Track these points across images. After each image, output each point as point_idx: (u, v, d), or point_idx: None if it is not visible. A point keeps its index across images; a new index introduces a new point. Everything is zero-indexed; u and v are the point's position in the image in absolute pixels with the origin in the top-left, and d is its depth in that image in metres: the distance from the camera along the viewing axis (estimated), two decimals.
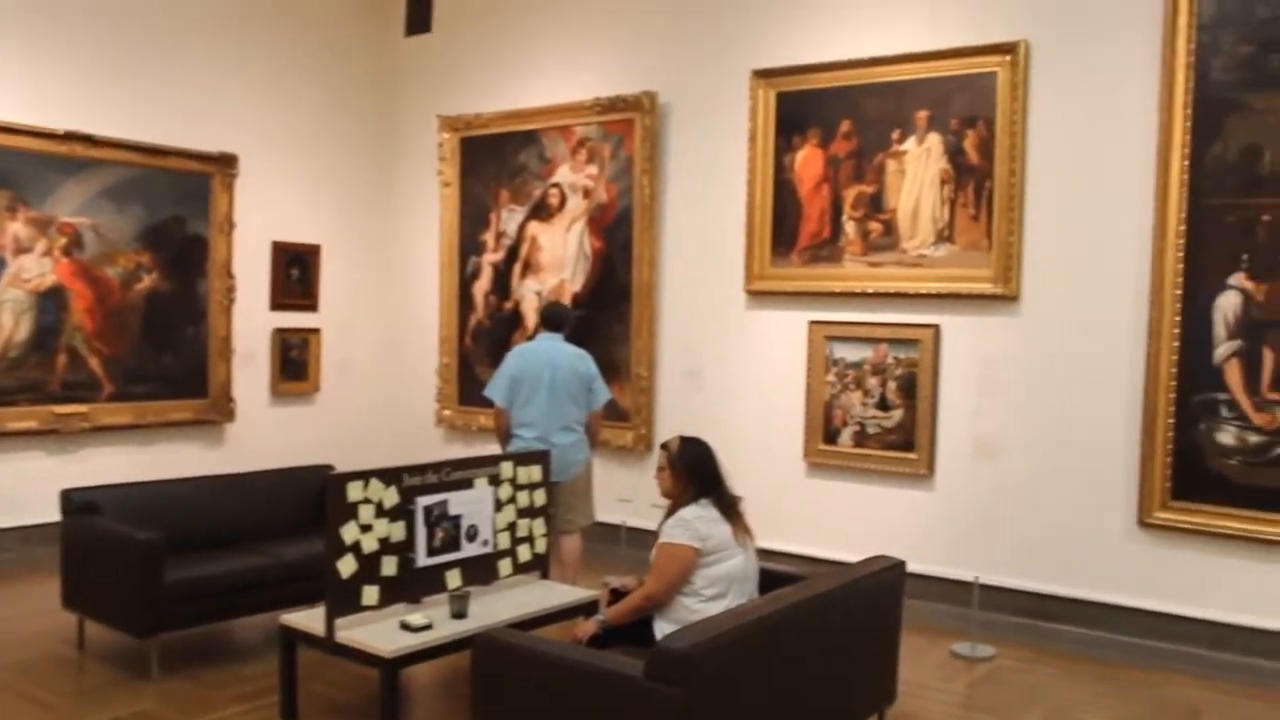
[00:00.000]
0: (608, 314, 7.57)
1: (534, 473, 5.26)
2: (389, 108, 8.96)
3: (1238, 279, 5.45)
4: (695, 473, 4.31)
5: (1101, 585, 5.83)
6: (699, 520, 4.17)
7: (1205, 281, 5.52)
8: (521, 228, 8.07)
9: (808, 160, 6.68)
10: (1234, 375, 5.48)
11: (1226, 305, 5.49)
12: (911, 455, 6.32)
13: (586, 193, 7.69)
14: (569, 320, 6.28)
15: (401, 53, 8.95)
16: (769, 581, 4.35)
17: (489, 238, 8.25)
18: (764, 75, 6.81)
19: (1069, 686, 5.30)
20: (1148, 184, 5.64)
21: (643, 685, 3.32)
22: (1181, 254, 5.55)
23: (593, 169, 7.66)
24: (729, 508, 4.28)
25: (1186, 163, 5.53)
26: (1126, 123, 5.73)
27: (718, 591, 4.14)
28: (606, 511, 6.65)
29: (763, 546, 6.22)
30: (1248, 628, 5.47)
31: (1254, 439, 5.44)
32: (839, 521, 6.56)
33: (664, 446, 4.48)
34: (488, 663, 3.82)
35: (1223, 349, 5.50)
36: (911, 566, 5.77)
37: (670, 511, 4.28)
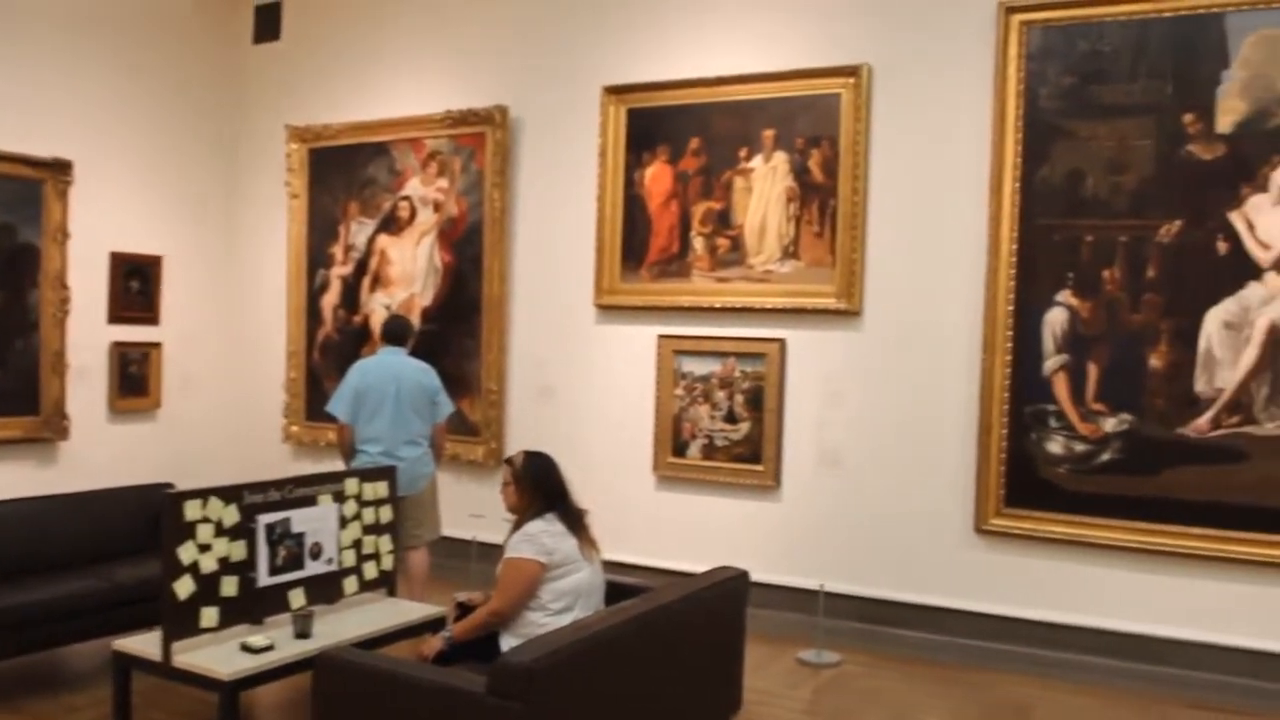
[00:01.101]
0: (458, 328, 7.51)
1: (380, 488, 5.20)
2: (235, 116, 8.72)
3: (1065, 296, 5.73)
4: (540, 487, 4.31)
5: (941, 590, 6.03)
6: (545, 534, 4.17)
7: (1035, 298, 5.78)
8: (371, 241, 7.96)
9: (657, 176, 6.76)
10: (1062, 387, 5.74)
11: (1055, 321, 5.75)
12: (758, 467, 6.44)
13: (437, 206, 7.64)
14: (411, 333, 6.24)
15: (249, 60, 8.74)
16: (615, 594, 4.38)
17: (338, 250, 8.12)
18: (615, 91, 6.87)
19: (909, 689, 5.47)
20: (982, 204, 5.87)
21: (485, 701, 3.31)
22: (1013, 272, 5.80)
23: (443, 182, 7.61)
24: (575, 521, 4.29)
25: (1018, 185, 5.79)
26: (963, 145, 5.96)
27: (564, 605, 4.14)
28: (457, 527, 6.60)
29: (613, 559, 6.26)
30: (1076, 627, 5.73)
31: (1080, 448, 5.71)
32: (688, 533, 6.64)
33: (508, 461, 4.47)
34: (329, 683, 3.76)
35: (1051, 362, 5.76)
36: (759, 576, 5.90)
37: (516, 526, 4.27)
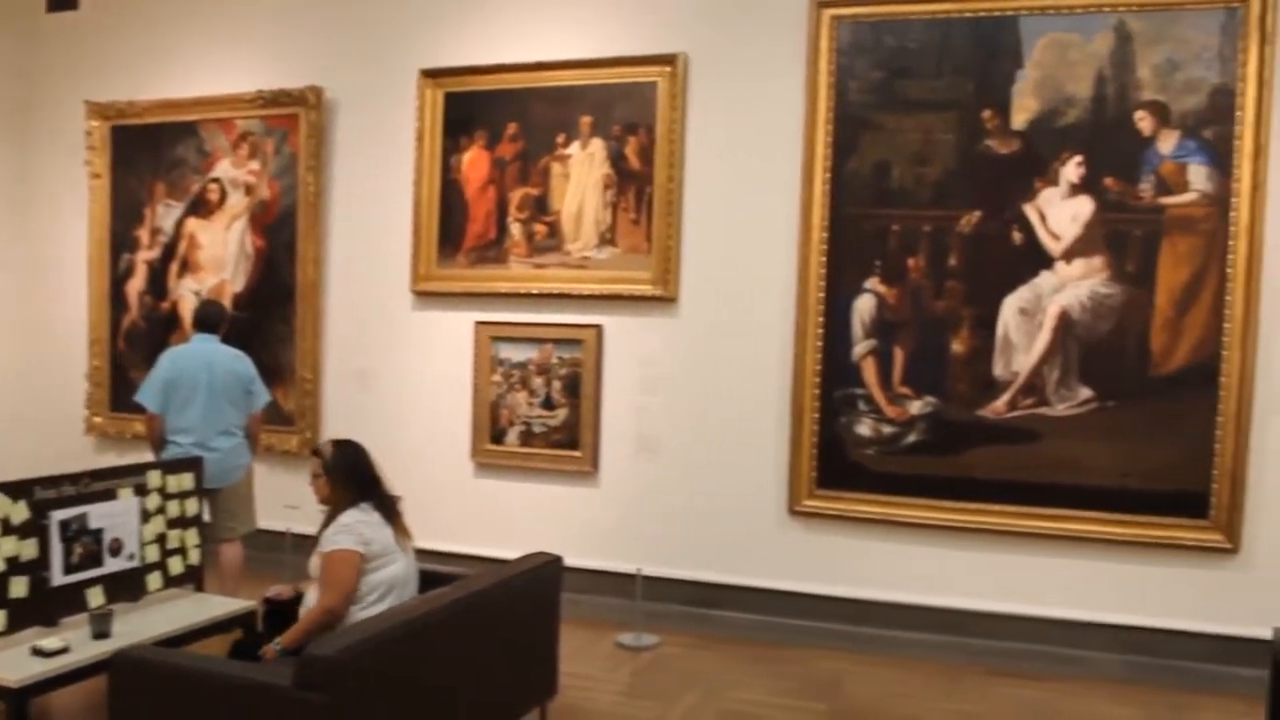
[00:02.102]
0: (271, 315, 7.30)
1: (185, 480, 5.01)
2: (28, 90, 8.23)
3: (872, 283, 5.92)
4: (352, 477, 4.22)
5: (757, 571, 6.17)
6: (362, 525, 4.08)
7: (845, 285, 5.95)
8: (179, 224, 7.65)
9: (474, 161, 6.70)
10: (870, 372, 5.94)
11: (863, 307, 5.94)
12: (576, 453, 6.46)
13: (249, 189, 7.40)
14: (224, 320, 6.03)
15: (43, 30, 8.25)
16: (429, 582, 4.33)
17: (143, 234, 7.78)
18: (432, 75, 6.76)
19: (726, 668, 5.58)
20: (794, 193, 6.01)
21: (292, 695, 3.22)
22: (824, 260, 5.96)
23: (255, 164, 7.37)
24: (390, 510, 4.22)
25: (828, 175, 5.95)
26: (776, 135, 6.08)
27: (379, 597, 4.05)
28: (271, 518, 6.42)
29: (431, 548, 6.19)
30: (885, 602, 5.95)
31: (888, 430, 5.92)
32: (507, 521, 6.61)
33: (315, 452, 4.36)
34: (126, 684, 3.60)
35: (860, 347, 5.95)
36: (578, 562, 5.93)
37: (329, 518, 4.16)
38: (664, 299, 6.26)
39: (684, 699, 5.13)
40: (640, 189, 6.32)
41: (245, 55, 7.46)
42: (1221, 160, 5.47)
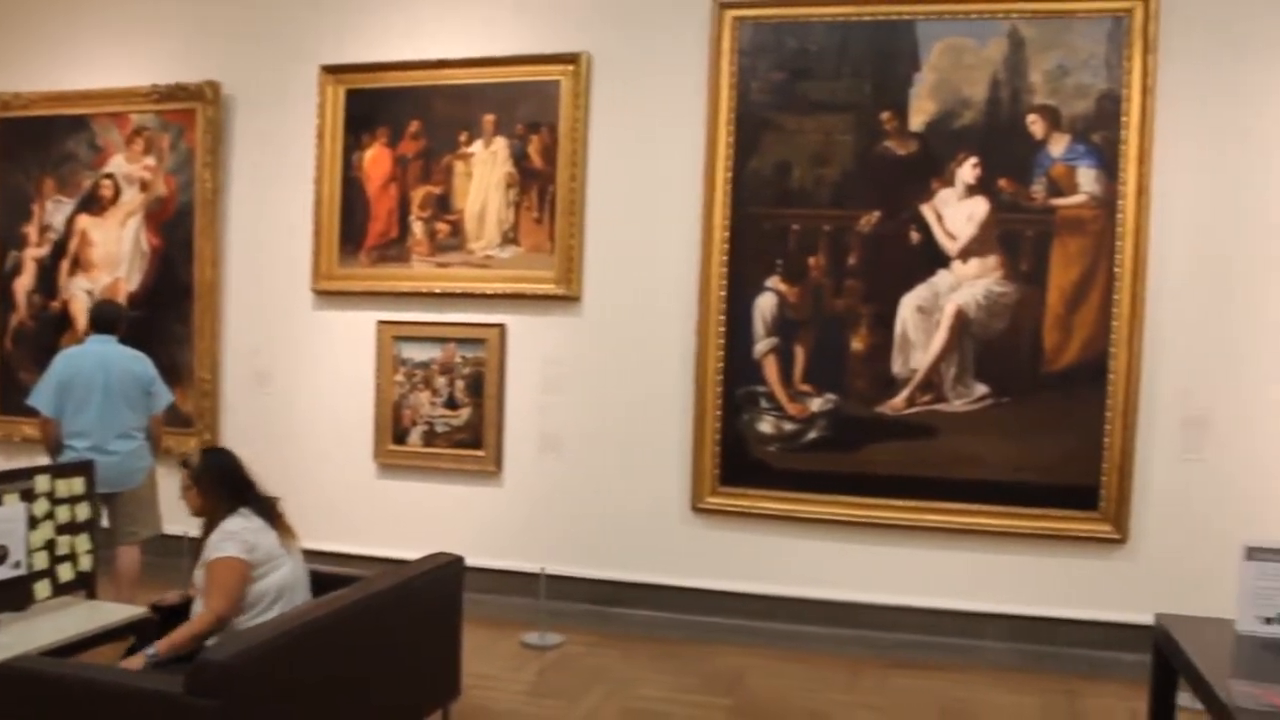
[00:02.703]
0: (168, 315, 7.13)
1: (75, 485, 4.86)
2: None
3: (773, 282, 5.99)
4: (224, 483, 4.14)
5: (660, 569, 6.20)
6: (245, 531, 4.00)
7: (746, 284, 6.01)
8: (70, 221, 7.44)
9: (376, 159, 6.63)
10: (772, 370, 6.00)
11: (764, 305, 6.00)
12: (480, 453, 6.43)
13: (144, 185, 7.22)
14: (122, 320, 5.86)
15: None
16: (328, 584, 4.26)
17: (32, 231, 7.55)
18: (333, 71, 6.67)
19: (630, 665, 5.59)
20: (696, 193, 6.05)
21: (184, 702, 3.15)
22: (726, 258, 6.01)
23: (150, 160, 7.20)
24: (269, 512, 4.14)
25: (730, 174, 6.00)
26: (678, 135, 6.12)
27: (269, 603, 3.97)
28: (171, 523, 6.27)
29: (333, 550, 6.18)
30: (787, 598, 6.03)
31: (789, 427, 6.00)
32: (410, 522, 6.55)
33: (184, 464, 4.27)
34: (10, 696, 3.49)
35: (761, 345, 6.01)
36: (482, 562, 5.91)
37: (209, 528, 4.08)
38: (567, 298, 6.26)
39: (588, 697, 5.14)
40: (543, 188, 6.31)
41: (140, 48, 7.26)
42: (1109, 163, 5.64)
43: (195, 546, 4.13)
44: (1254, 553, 3.45)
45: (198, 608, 4.00)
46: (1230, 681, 2.94)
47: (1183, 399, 5.67)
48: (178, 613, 4.19)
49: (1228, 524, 5.34)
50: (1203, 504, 5.62)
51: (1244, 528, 4.81)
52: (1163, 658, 3.55)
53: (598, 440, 6.29)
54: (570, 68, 6.24)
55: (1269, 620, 3.40)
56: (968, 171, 5.76)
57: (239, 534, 3.98)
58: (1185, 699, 3.30)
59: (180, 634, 3.89)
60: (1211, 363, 5.65)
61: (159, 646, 3.85)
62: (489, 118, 6.39)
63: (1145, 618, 3.63)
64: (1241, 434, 5.63)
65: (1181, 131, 5.61)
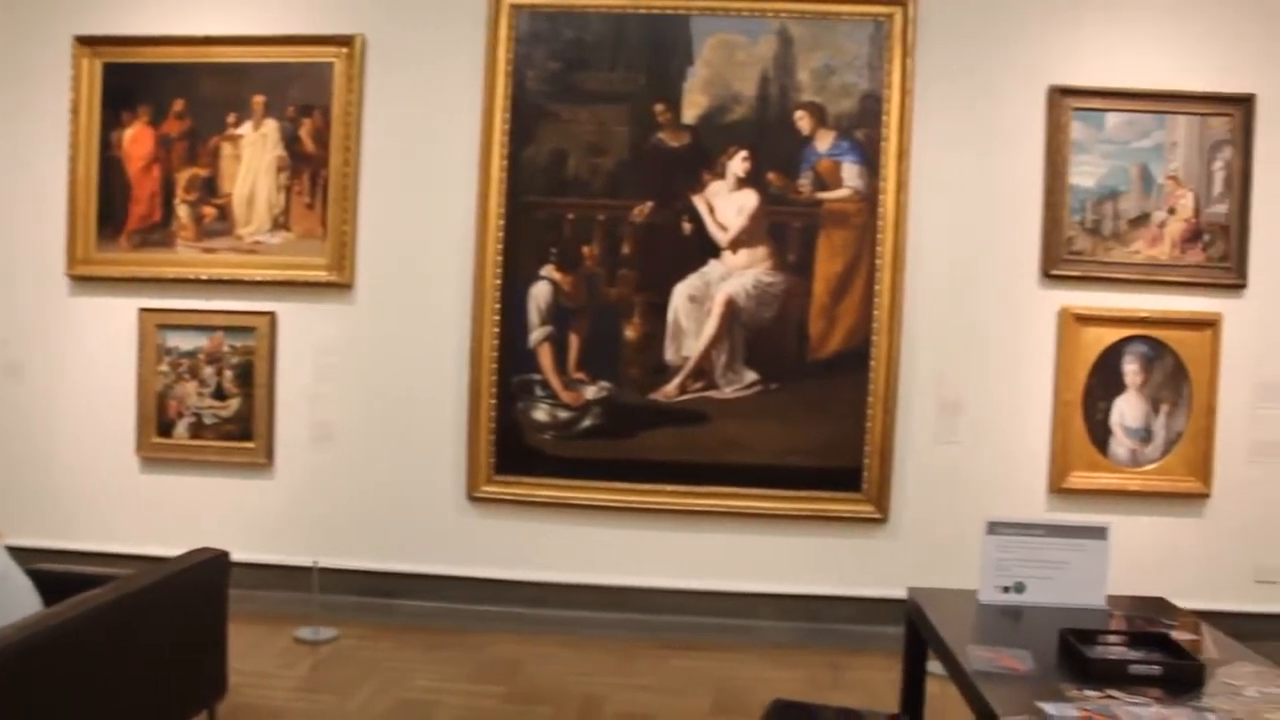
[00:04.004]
0: None
1: None
2: None
3: (548, 270, 6.01)
4: None
5: (437, 559, 6.15)
6: None
7: (521, 272, 6.01)
8: None
9: (137, 138, 6.31)
10: (546, 358, 6.02)
11: (539, 294, 6.01)
12: (250, 444, 6.23)
13: None
14: None
15: None
16: (79, 585, 4.04)
17: None
18: (88, 43, 6.30)
19: (406, 657, 5.54)
20: (472, 180, 6.01)
21: None
22: (501, 246, 5.99)
23: None
24: None
25: (505, 162, 5.98)
26: (454, 121, 6.06)
27: None
28: None
29: (95, 550, 5.93)
30: (563, 584, 6.07)
31: (564, 415, 6.03)
32: (177, 517, 6.28)
33: None
34: None
35: (536, 334, 6.03)
36: (253, 556, 5.78)
37: None
38: (340, 285, 6.13)
39: (361, 690, 5.07)
40: (315, 172, 6.15)
41: None
42: (871, 160, 5.89)
43: None
44: (994, 527, 3.66)
45: None
46: (969, 647, 3.11)
47: (938, 384, 5.98)
48: None
49: (977, 502, 5.66)
50: (956, 483, 5.95)
51: (991, 505, 5.15)
52: (914, 629, 3.74)
53: (372, 430, 6.19)
54: (344, 50, 6.10)
55: (1007, 589, 3.62)
56: (738, 164, 5.91)
57: None
58: (935, 666, 3.47)
59: None
60: (963, 350, 5.99)
61: None
62: (258, 99, 6.19)
63: (904, 592, 3.82)
64: (990, 417, 5.99)
65: (937, 131, 5.92)
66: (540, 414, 6.03)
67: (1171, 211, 5.93)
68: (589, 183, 5.98)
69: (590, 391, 6.00)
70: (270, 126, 6.18)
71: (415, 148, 6.12)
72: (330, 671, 5.34)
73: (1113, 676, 2.83)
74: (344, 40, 6.10)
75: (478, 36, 6.01)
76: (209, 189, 6.25)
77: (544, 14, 6.00)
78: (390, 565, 6.16)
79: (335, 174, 6.11)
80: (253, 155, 6.20)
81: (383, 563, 6.16)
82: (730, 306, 5.93)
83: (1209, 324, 5.92)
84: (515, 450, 6.04)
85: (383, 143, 6.13)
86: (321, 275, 6.14)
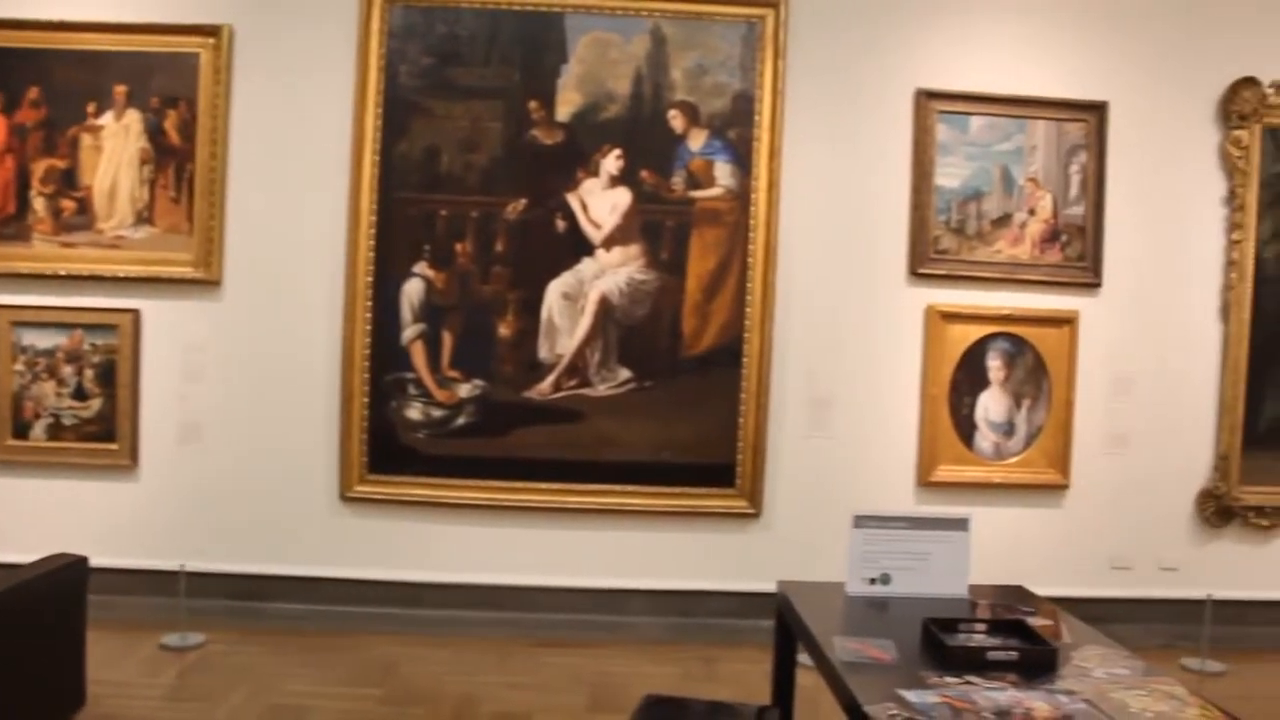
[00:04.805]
0: None
1: None
2: None
3: (421, 267, 5.95)
4: None
5: (309, 561, 6.04)
6: None
7: (394, 269, 5.94)
8: None
9: None
10: (419, 356, 5.97)
11: (412, 291, 5.95)
12: (112, 446, 6.03)
13: None
14: None
15: None
16: None
17: None
18: None
19: (277, 661, 5.45)
20: (344, 175, 5.92)
21: None
22: (373, 243, 5.91)
23: None
24: None
25: (378, 158, 5.90)
26: (326, 117, 5.96)
27: None
28: None
29: None
30: (438, 584, 6.03)
31: (437, 413, 5.99)
32: (34, 522, 6.01)
33: None
34: None
35: (409, 332, 5.97)
36: (117, 561, 5.63)
37: None
38: (207, 282, 5.97)
39: (231, 697, 4.96)
40: (181, 165, 5.99)
41: None
42: (743, 159, 5.97)
43: None
44: (861, 520, 3.76)
45: None
46: (836, 639, 3.19)
47: (809, 381, 6.10)
48: None
49: (848, 495, 5.72)
50: (827, 478, 6.08)
51: (861, 499, 5.25)
52: (783, 622, 3.81)
53: (241, 430, 6.05)
54: (211, 40, 5.94)
55: (873, 581, 3.71)
56: (612, 163, 5.94)
57: None
58: (805, 658, 3.54)
59: None
60: (834, 346, 6.13)
61: None
62: (120, 88, 5.99)
63: (777, 586, 3.89)
64: (859, 413, 6.14)
65: (808, 131, 6.03)
66: (414, 412, 5.98)
67: (1031, 212, 6.14)
68: (462, 179, 5.94)
69: (464, 390, 5.97)
70: (133, 117, 6.00)
71: (285, 142, 6.00)
72: (198, 678, 5.22)
73: (972, 663, 2.94)
74: (210, 30, 5.94)
75: (350, 29, 5.92)
76: (67, 181, 6.03)
77: (417, 8, 5.94)
78: (261, 568, 6.03)
79: (202, 168, 5.96)
80: (114, 147, 6.01)
81: (253, 565, 6.03)
82: (604, 304, 5.96)
83: (1067, 321, 6.15)
84: (388, 449, 5.97)
85: (252, 136, 6.00)
86: (188, 272, 5.98)
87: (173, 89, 5.98)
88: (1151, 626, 6.11)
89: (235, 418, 6.06)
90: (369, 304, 5.92)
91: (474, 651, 5.69)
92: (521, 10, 5.93)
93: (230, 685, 5.11)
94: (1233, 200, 6.21)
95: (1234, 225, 6.21)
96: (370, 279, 5.92)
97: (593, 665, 5.56)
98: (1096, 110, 6.13)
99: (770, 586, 4.00)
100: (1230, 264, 6.23)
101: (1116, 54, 6.18)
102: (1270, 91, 6.18)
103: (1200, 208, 6.26)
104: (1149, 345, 6.26)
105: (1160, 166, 6.23)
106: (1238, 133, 6.18)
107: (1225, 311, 6.25)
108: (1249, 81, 6.16)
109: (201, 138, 5.96)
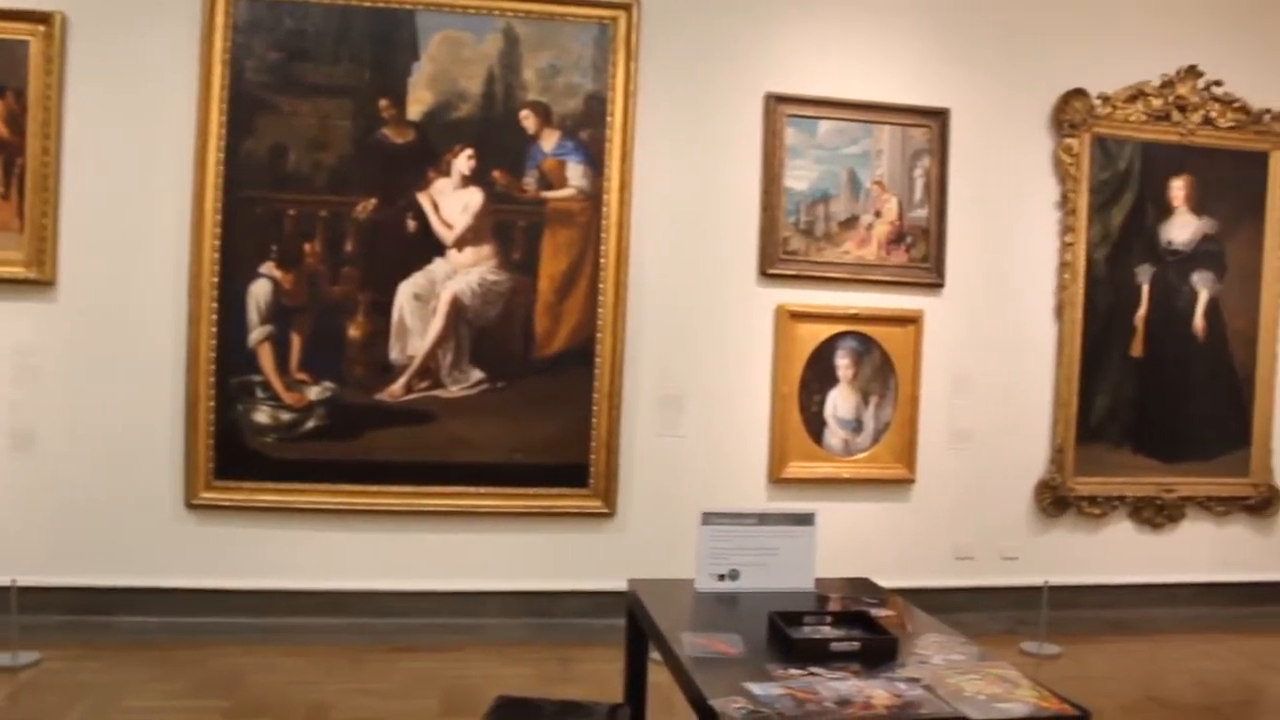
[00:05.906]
0: None
1: None
2: None
3: (268, 268, 5.82)
4: None
5: (152, 571, 5.84)
6: None
7: (240, 270, 5.79)
8: None
9: None
10: (267, 358, 5.84)
11: (259, 292, 5.82)
12: None
13: None
14: None
15: None
16: None
17: None
18: None
19: (119, 676, 5.24)
20: (187, 173, 5.75)
21: None
22: (218, 243, 5.75)
23: None
24: None
25: (222, 156, 5.74)
26: (168, 112, 5.77)
27: None
28: None
29: None
30: (288, 591, 5.90)
31: (286, 417, 5.86)
32: None
33: None
34: None
35: (256, 334, 5.83)
36: None
37: None
38: (39, 282, 5.71)
39: (67, 716, 4.76)
40: (10, 160, 5.72)
41: None
42: (595, 160, 6.01)
43: None
44: (709, 518, 3.81)
45: None
46: (684, 634, 3.23)
47: (662, 380, 6.16)
48: None
49: (701, 493, 5.80)
50: (680, 476, 6.16)
51: (714, 496, 5.34)
52: (634, 620, 3.85)
53: (79, 437, 5.81)
54: (41, 28, 5.68)
55: (722, 577, 3.77)
56: (463, 162, 5.90)
57: None
58: (658, 655, 3.57)
59: None
60: (686, 346, 6.22)
61: None
62: None
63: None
64: (711, 411, 6.24)
65: (660, 133, 6.10)
66: (262, 416, 5.84)
67: (878, 215, 6.32)
68: (311, 178, 5.82)
69: (313, 392, 5.86)
70: None
71: (125, 137, 5.78)
72: (31, 698, 4.99)
73: (816, 655, 3.02)
74: (41, 17, 5.68)
75: (193, 22, 5.73)
76: None
77: (264, 2, 5.80)
78: (102, 580, 5.80)
79: (34, 162, 5.70)
80: None
81: (93, 578, 5.80)
82: (456, 305, 5.92)
83: (912, 320, 6.34)
84: (236, 454, 5.82)
85: (88, 130, 5.76)
86: (18, 271, 5.71)
87: (1, 79, 5.72)
88: (995, 614, 6.34)
89: (72, 424, 5.81)
90: (214, 305, 5.75)
91: (326, 659, 5.58)
92: (372, 7, 5.84)
93: (67, 704, 4.90)
94: (1065, 204, 6.51)
95: (1066, 228, 6.51)
96: (215, 279, 5.75)
97: (447, 669, 5.51)
98: (939, 116, 6.34)
99: (626, 585, 4.02)
100: (1063, 265, 6.53)
101: (958, 63, 6.41)
102: (1098, 102, 6.50)
103: (1035, 211, 6.54)
104: (989, 343, 6.51)
105: (998, 172, 6.49)
106: (1069, 140, 6.47)
107: (1059, 311, 6.55)
108: (1079, 93, 6.48)
109: (33, 130, 5.70)
